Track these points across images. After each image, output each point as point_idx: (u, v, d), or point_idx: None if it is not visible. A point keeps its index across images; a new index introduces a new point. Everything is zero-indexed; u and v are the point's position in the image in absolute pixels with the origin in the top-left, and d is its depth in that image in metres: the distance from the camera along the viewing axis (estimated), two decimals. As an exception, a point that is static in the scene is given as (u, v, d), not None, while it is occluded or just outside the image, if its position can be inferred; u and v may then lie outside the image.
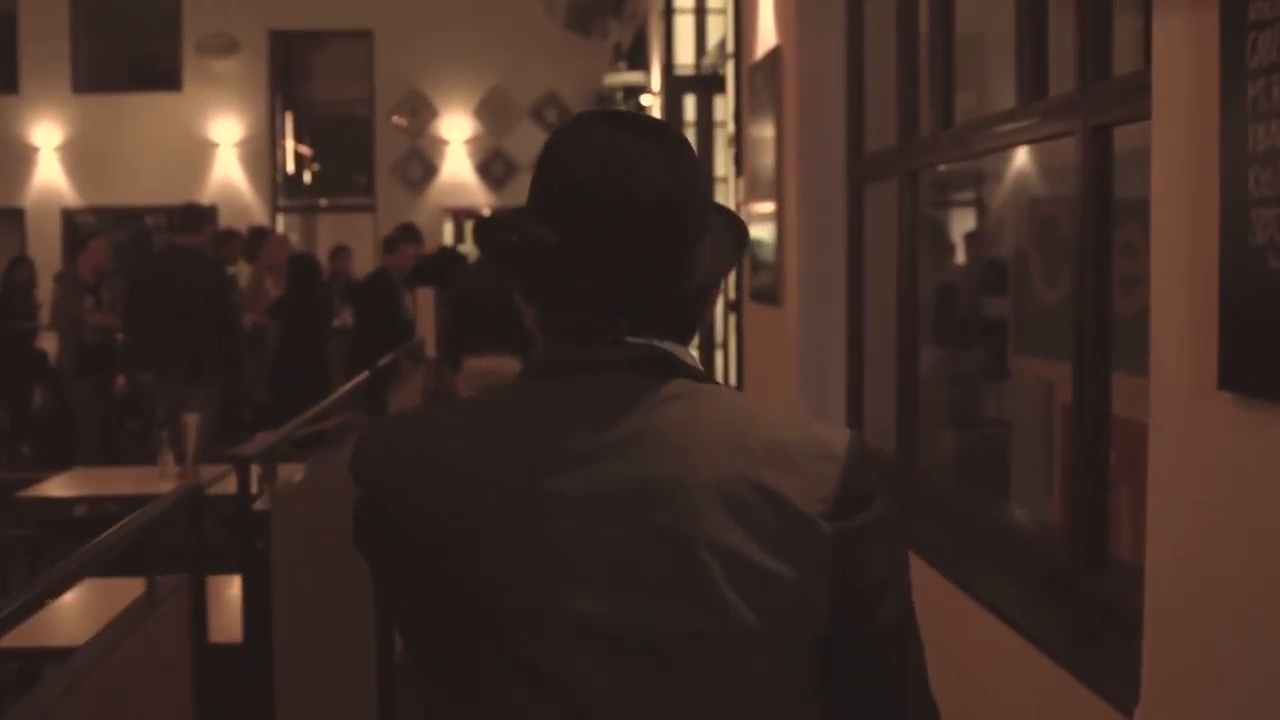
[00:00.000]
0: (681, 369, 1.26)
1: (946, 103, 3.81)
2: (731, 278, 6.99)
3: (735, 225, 1.37)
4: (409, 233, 10.19)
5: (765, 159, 5.41)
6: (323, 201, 16.21)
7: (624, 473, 1.20)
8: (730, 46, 6.61)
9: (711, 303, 1.37)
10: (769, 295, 5.36)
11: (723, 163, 8.51)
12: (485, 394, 1.34)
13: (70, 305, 9.31)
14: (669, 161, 1.24)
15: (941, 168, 4.41)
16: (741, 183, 6.08)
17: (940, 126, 3.82)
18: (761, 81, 5.51)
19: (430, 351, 6.53)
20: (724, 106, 8.45)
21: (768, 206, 5.35)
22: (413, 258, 9.24)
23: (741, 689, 1.19)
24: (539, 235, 1.24)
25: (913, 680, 1.27)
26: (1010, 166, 4.86)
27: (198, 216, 8.44)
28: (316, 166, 15.72)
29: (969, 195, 5.09)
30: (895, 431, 4.36)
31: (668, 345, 1.27)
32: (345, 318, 9.89)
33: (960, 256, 5.19)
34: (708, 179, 8.82)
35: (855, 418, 4.85)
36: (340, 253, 12.22)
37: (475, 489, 1.22)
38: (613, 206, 1.22)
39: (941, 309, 4.83)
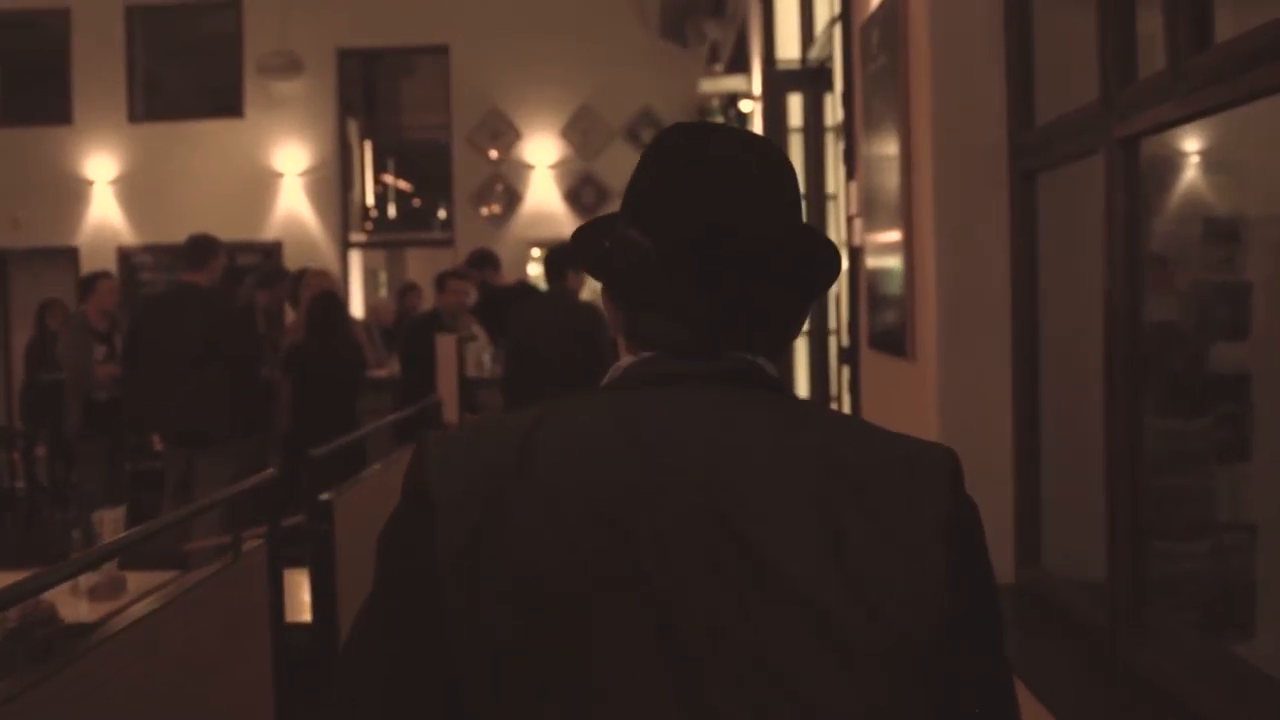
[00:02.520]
0: (771, 383, 1.24)
1: (1200, 14, 2.19)
2: (844, 319, 5.38)
3: (824, 245, 1.30)
4: (481, 259, 8.79)
5: (885, 176, 3.83)
6: (406, 236, 14.98)
7: (799, 470, 1.14)
8: (837, 7, 5.01)
9: (802, 319, 1.32)
10: (893, 343, 3.76)
11: (834, 178, 6.93)
12: (574, 402, 1.24)
13: (78, 355, 8.04)
14: (767, 173, 1.24)
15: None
16: (853, 189, 4.49)
17: (1187, 53, 2.20)
18: (878, 41, 3.92)
19: (450, 415, 5.02)
20: (836, 106, 6.87)
21: (891, 235, 3.77)
22: (462, 295, 7.79)
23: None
24: (634, 241, 1.23)
25: None
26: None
27: (205, 249, 7.08)
28: (417, 201, 14.48)
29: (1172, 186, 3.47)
30: (1105, 553, 2.73)
31: (759, 360, 1.24)
32: (393, 367, 8.50)
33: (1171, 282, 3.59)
34: (817, 195, 7.27)
35: (1028, 522, 3.23)
36: (409, 292, 10.90)
37: (628, 498, 1.13)
38: (708, 218, 1.20)
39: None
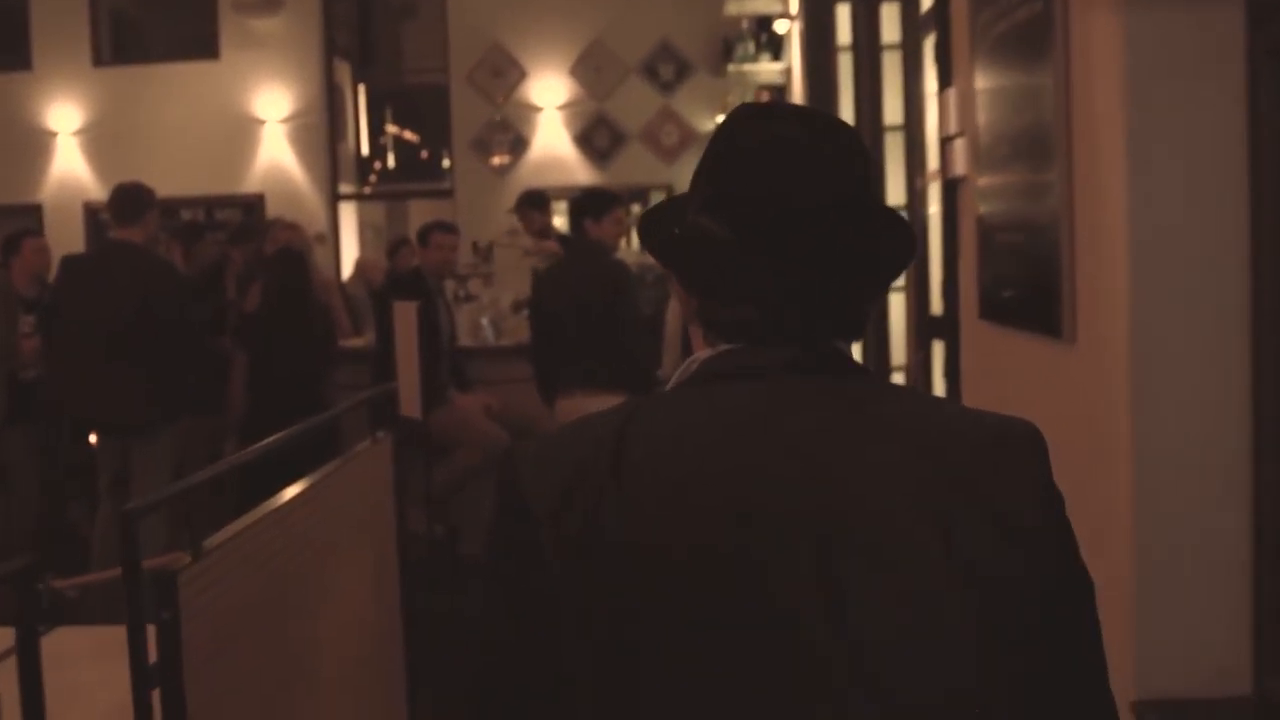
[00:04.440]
0: (856, 369, 1.23)
1: None
2: (935, 278, 4.13)
3: (900, 223, 1.27)
4: (531, 200, 7.61)
5: (1016, 74, 2.63)
6: (400, 188, 13.77)
7: (897, 467, 1.13)
8: None
9: (876, 300, 1.31)
10: (1032, 315, 2.55)
11: (895, 104, 5.71)
12: (664, 398, 1.23)
13: (0, 327, 6.86)
14: (842, 157, 1.21)
15: None
16: (951, 99, 3.26)
17: None
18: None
19: (409, 406, 3.84)
20: (894, 18, 5.64)
21: (1030, 161, 2.57)
22: (448, 251, 6.58)
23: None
24: (709, 229, 1.20)
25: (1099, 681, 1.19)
26: None
27: (138, 201, 5.89)
28: (425, 154, 13.25)
29: None
30: None
31: (840, 345, 1.23)
32: (370, 338, 7.31)
33: None
34: (873, 127, 6.05)
35: (1276, 606, 2.03)
36: (401, 248, 9.67)
37: (731, 491, 1.12)
38: (783, 202, 1.17)
39: None
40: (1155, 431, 2.07)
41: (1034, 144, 2.50)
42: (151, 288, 5.82)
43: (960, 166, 3.12)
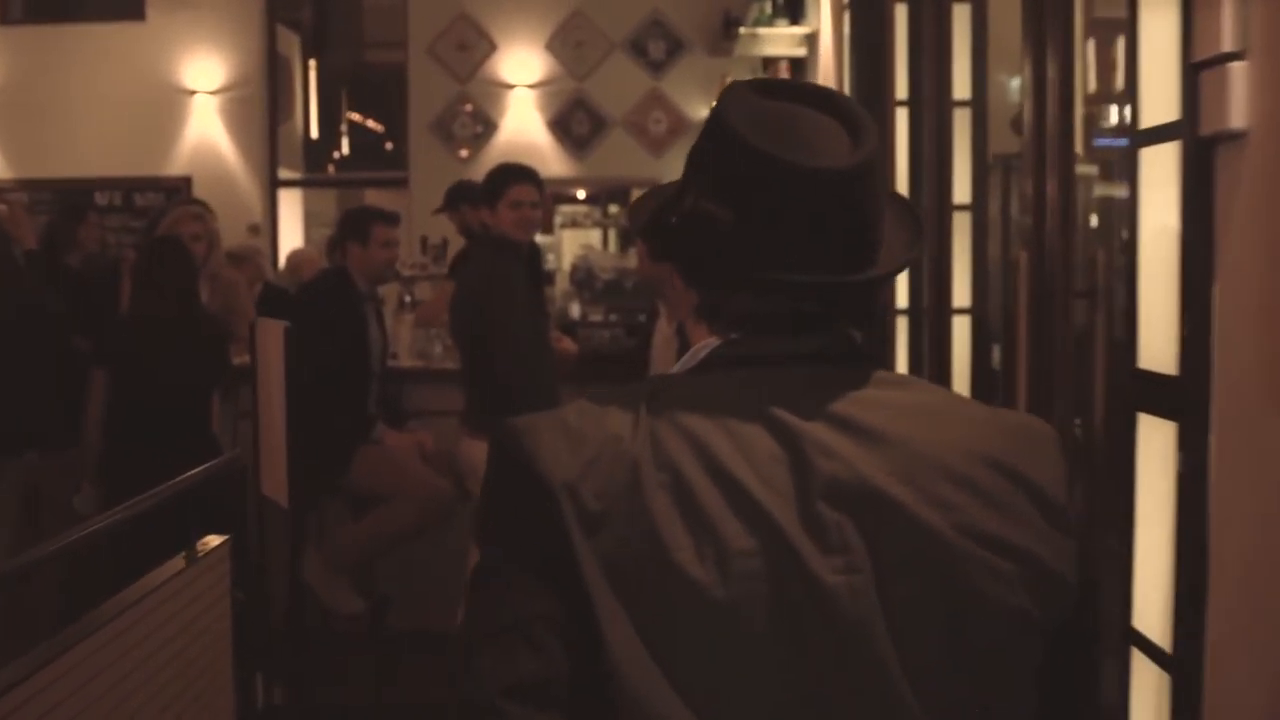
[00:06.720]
0: (872, 358, 1.20)
1: None
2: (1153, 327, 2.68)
3: (909, 209, 1.25)
4: (451, 199, 6.30)
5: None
6: (350, 175, 12.33)
7: (910, 452, 1.10)
8: None
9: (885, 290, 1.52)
10: None
11: (962, 79, 4.34)
12: (686, 381, 1.16)
13: None
14: (853, 136, 1.15)
15: None
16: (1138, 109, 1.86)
17: None
18: None
19: (274, 489, 2.43)
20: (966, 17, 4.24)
21: None
22: (387, 250, 5.15)
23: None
24: (713, 213, 1.13)
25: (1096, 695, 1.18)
26: None
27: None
28: (389, 145, 11.84)
29: None
30: None
31: (853, 333, 1.20)
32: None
33: None
34: (937, 99, 4.76)
35: None
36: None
37: (764, 484, 1.07)
38: (797, 184, 1.11)
39: None
40: None
41: None
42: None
43: (1239, 114, 1.72)
